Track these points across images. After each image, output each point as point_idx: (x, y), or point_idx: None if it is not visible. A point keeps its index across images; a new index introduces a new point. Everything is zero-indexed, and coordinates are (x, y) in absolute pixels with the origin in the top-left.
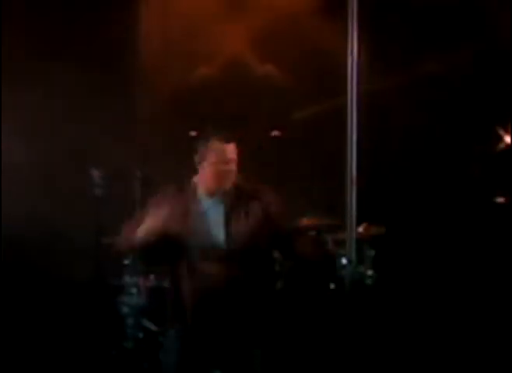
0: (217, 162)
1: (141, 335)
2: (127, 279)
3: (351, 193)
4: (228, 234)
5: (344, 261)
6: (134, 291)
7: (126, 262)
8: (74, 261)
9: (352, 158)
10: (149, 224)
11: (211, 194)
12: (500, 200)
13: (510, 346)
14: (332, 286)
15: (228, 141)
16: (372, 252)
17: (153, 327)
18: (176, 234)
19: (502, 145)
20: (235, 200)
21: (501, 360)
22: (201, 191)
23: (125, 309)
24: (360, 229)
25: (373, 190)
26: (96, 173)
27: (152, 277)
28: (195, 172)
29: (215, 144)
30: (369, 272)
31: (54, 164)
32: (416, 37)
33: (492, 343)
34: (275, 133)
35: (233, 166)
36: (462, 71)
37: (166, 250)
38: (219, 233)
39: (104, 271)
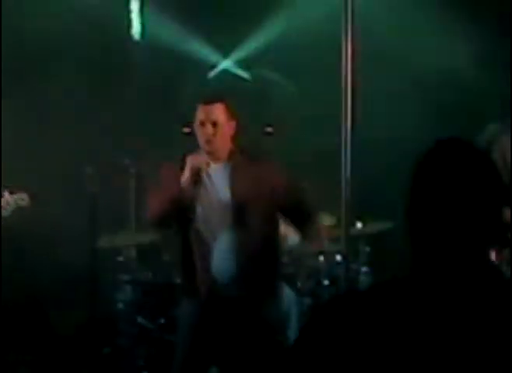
0: (200, 123)
1: (136, 332)
2: (122, 276)
3: (346, 191)
4: (233, 196)
5: (338, 258)
6: (129, 287)
7: (121, 259)
8: (69, 258)
9: (347, 156)
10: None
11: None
12: None
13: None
14: (327, 282)
15: (209, 103)
16: (367, 249)
17: (148, 324)
18: (185, 199)
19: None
20: (239, 163)
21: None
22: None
23: (120, 306)
24: (359, 225)
25: (367, 188)
26: (90, 170)
27: (147, 273)
28: None
29: (199, 107)
30: (364, 269)
31: (48, 162)
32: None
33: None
34: (268, 129)
35: (218, 129)
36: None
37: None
38: (225, 196)
39: (99, 268)
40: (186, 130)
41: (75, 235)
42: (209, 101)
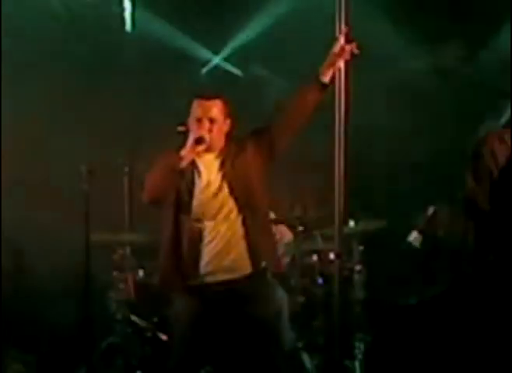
0: (197, 119)
1: (129, 331)
2: (116, 274)
3: (339, 189)
4: (230, 188)
5: (332, 256)
6: (122, 286)
7: (115, 257)
8: (62, 257)
9: (340, 154)
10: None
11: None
12: None
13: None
14: (320, 281)
15: (207, 99)
16: (360, 248)
17: (142, 323)
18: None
19: None
20: (230, 155)
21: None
22: None
23: (113, 305)
24: (351, 224)
25: (361, 186)
26: (83, 169)
27: (140, 272)
28: None
29: (195, 102)
30: (358, 267)
31: (44, 161)
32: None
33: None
34: None
35: (215, 125)
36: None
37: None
38: (218, 187)
39: (93, 267)
40: (180, 128)
41: (69, 234)
42: (207, 97)
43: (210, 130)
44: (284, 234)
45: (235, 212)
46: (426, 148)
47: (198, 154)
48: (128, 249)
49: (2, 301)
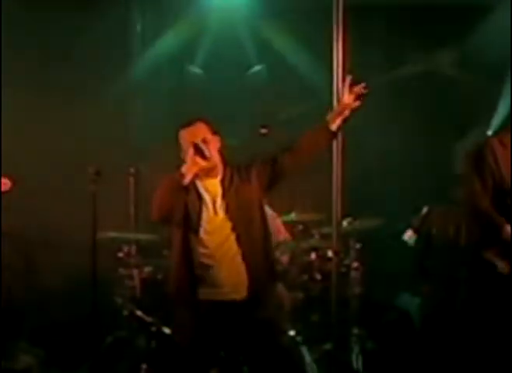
0: (189, 143)
1: (135, 325)
2: (122, 271)
3: (336, 189)
4: (227, 211)
5: (330, 254)
6: (128, 282)
7: (121, 255)
8: (70, 255)
9: (338, 155)
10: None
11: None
12: None
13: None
14: (319, 277)
15: (190, 124)
16: (358, 246)
17: (147, 318)
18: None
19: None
20: (233, 182)
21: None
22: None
23: (120, 301)
24: (345, 223)
25: (358, 185)
26: (91, 170)
27: (145, 269)
28: None
29: (181, 133)
30: (355, 264)
31: (51, 161)
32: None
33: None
34: (263, 131)
35: (209, 145)
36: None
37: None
38: (223, 209)
39: (100, 263)
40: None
41: (77, 233)
42: (190, 123)
43: (209, 149)
44: (281, 231)
45: (235, 246)
46: (422, 148)
47: (200, 166)
48: (133, 247)
49: (13, 296)
